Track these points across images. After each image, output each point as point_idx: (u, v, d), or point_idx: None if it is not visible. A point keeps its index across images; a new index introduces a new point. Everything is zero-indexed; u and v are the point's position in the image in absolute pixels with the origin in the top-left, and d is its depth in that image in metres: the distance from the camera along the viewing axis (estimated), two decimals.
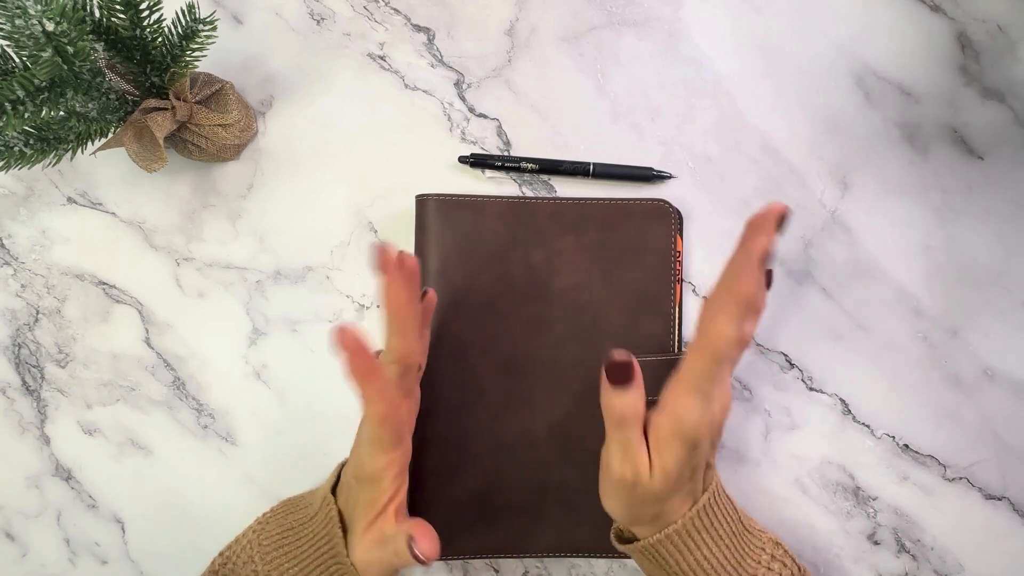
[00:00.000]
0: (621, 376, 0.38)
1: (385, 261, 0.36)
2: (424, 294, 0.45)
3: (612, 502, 0.40)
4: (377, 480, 0.39)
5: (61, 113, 0.42)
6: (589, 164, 0.49)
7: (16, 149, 0.42)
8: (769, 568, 0.40)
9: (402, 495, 0.41)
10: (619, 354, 0.38)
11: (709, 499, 0.40)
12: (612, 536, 0.44)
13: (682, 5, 0.51)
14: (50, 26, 0.35)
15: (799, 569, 0.41)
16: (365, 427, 0.39)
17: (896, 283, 0.49)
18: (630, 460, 0.38)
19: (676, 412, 0.37)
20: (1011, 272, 0.48)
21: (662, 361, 0.47)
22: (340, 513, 0.41)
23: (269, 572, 0.41)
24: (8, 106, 0.38)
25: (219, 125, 0.47)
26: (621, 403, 0.38)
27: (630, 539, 0.42)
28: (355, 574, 0.40)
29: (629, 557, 0.45)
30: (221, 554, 0.44)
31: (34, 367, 0.51)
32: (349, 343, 0.34)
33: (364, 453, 0.39)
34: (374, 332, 0.50)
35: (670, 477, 0.38)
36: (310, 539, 0.41)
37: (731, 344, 0.36)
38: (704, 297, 0.43)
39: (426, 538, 0.39)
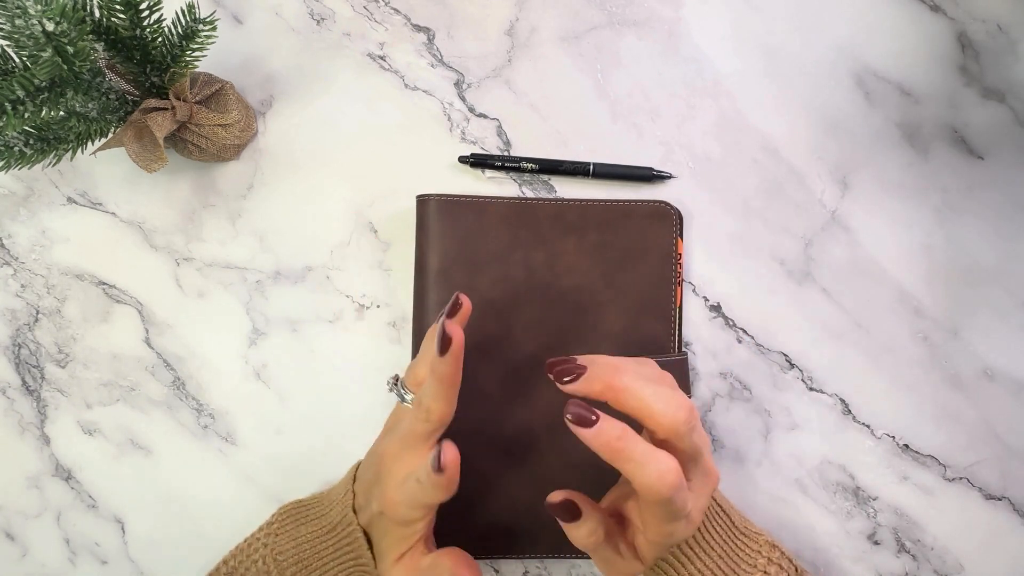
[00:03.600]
0: (567, 516, 0.36)
1: (450, 347, 0.37)
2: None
3: None
4: (411, 523, 0.40)
5: (61, 113, 0.42)
6: (589, 164, 0.49)
7: (16, 149, 0.42)
8: (765, 572, 0.40)
9: (431, 528, 0.42)
10: (555, 496, 0.36)
11: None
12: None
13: (682, 5, 0.51)
14: (50, 26, 0.35)
15: (796, 570, 0.41)
16: (409, 479, 0.38)
17: (896, 283, 0.49)
18: (619, 572, 0.38)
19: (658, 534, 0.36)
20: (1011, 272, 0.48)
21: (662, 363, 0.47)
22: (365, 532, 0.41)
23: None
24: (8, 106, 0.38)
25: (219, 125, 0.47)
26: (579, 536, 0.37)
27: None
28: None
29: None
30: (225, 562, 0.43)
31: (34, 367, 0.50)
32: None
33: (403, 501, 0.39)
34: (373, 332, 0.50)
35: (662, 549, 0.37)
36: (332, 553, 0.42)
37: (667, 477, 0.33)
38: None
39: (468, 569, 0.39)
